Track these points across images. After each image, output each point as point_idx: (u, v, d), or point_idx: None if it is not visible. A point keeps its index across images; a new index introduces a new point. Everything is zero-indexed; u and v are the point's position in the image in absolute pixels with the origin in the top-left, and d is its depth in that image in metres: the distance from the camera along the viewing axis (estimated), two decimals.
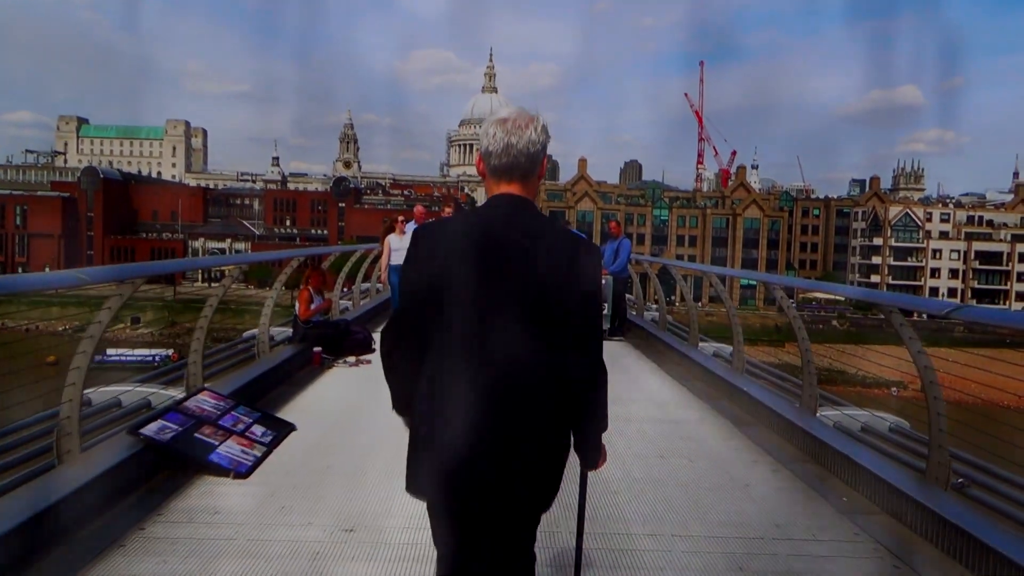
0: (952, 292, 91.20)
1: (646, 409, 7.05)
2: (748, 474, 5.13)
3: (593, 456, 2.25)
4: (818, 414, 6.55)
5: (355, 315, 12.26)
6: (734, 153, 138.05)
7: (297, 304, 9.10)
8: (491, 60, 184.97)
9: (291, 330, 9.31)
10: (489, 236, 2.09)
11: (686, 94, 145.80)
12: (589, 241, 2.26)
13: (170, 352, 44.94)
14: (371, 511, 4.17)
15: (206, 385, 6.01)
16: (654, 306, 15.18)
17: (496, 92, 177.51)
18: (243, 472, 4.67)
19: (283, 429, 5.64)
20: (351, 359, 8.88)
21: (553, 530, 3.59)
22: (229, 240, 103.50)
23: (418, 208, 12.05)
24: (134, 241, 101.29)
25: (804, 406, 6.62)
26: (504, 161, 2.14)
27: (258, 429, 5.42)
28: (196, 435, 4.92)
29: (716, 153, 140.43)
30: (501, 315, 2.03)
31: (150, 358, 46.79)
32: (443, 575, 2.23)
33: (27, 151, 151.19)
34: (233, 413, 5.51)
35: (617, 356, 10.45)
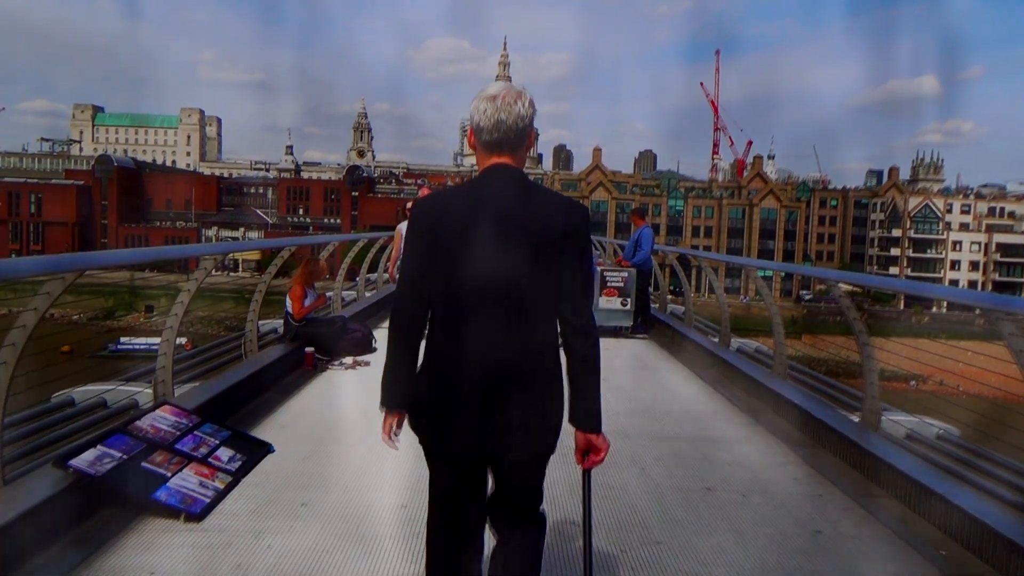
0: (972, 285, 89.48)
1: (682, 424, 6.13)
2: (816, 515, 4.19)
3: (588, 419, 2.28)
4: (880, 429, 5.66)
5: (357, 309, 11.39)
6: (750, 143, 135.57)
7: (289, 301, 8.21)
8: (505, 49, 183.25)
9: (293, 326, 8.39)
10: (489, 202, 2.22)
11: (702, 83, 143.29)
12: (576, 200, 2.42)
13: (183, 340, 44.74)
14: (349, 574, 3.29)
15: (166, 398, 5.13)
16: (667, 297, 14.21)
17: (510, 81, 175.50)
18: (196, 513, 3.79)
19: (256, 452, 4.76)
20: (347, 360, 8.00)
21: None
22: (243, 228, 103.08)
23: (424, 191, 11.10)
24: (148, 230, 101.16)
25: (865, 422, 5.69)
26: (495, 136, 2.26)
27: (225, 453, 4.54)
28: (143, 464, 4.05)
29: (732, 143, 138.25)
30: (506, 272, 2.16)
31: None
32: (438, 535, 2.36)
33: (42, 139, 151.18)
34: (196, 433, 4.64)
35: (642, 357, 9.53)
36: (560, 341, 2.26)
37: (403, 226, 9.69)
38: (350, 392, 6.82)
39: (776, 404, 6.62)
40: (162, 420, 4.60)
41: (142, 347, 47.06)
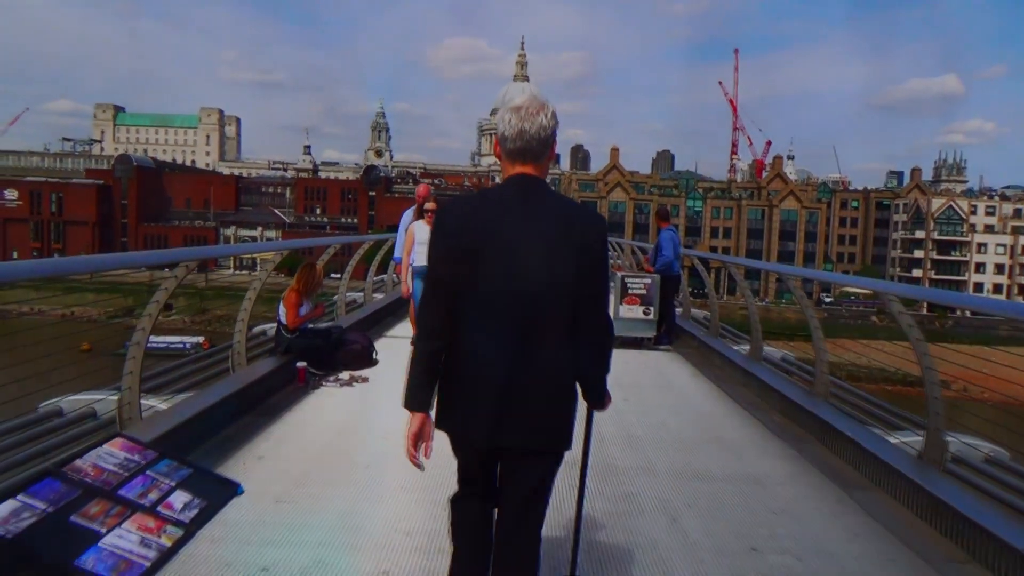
0: (997, 288, 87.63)
1: (715, 457, 5.36)
2: None
3: (599, 397, 2.55)
4: (944, 465, 4.88)
5: (361, 316, 10.71)
6: (769, 143, 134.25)
7: (283, 308, 7.52)
8: (523, 48, 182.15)
9: (286, 337, 7.66)
10: (511, 209, 2.35)
11: (720, 82, 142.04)
12: (595, 211, 2.58)
13: (201, 339, 44.65)
14: None
15: (121, 430, 4.45)
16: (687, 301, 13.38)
17: (528, 80, 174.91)
18: None
19: (219, 495, 4.06)
20: (344, 375, 7.30)
21: None
22: (260, 228, 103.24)
23: (421, 188, 10.33)
24: (167, 229, 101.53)
25: (928, 457, 4.90)
26: (518, 145, 2.39)
27: (179, 498, 3.84)
28: (73, 519, 3.36)
29: (751, 143, 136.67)
30: (526, 276, 2.29)
31: (181, 345, 46.57)
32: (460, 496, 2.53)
33: (64, 139, 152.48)
34: (148, 472, 3.95)
35: (667, 372, 8.76)
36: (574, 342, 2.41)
37: (416, 226, 8.78)
38: (343, 414, 6.11)
39: (821, 432, 5.86)
40: (108, 458, 3.91)
41: (161, 346, 47.05)
